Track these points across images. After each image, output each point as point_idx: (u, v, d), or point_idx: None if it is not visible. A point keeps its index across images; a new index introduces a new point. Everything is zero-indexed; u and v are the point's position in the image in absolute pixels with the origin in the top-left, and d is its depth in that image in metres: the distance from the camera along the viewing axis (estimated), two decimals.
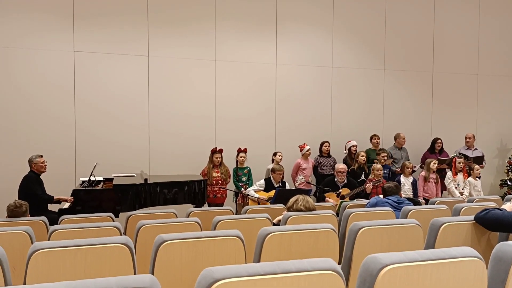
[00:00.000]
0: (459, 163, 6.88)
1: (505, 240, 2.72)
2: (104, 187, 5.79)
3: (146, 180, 5.52)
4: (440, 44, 8.67)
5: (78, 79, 6.91)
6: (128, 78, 7.13)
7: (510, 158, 8.67)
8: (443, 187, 7.19)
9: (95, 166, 5.87)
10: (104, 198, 5.34)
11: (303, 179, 7.15)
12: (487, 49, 8.96)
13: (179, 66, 7.35)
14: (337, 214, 4.41)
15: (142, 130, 7.20)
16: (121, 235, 3.11)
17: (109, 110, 7.03)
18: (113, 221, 3.80)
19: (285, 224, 3.36)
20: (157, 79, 7.26)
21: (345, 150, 7.64)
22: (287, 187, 6.42)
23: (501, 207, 2.86)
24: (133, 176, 6.29)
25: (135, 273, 2.27)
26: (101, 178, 6.10)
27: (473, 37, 8.89)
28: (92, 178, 5.81)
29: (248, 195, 6.25)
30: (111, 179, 5.95)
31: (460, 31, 8.78)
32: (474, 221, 2.72)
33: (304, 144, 7.38)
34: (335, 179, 6.45)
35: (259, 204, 6.03)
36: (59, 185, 6.23)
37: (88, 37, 6.93)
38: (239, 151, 6.94)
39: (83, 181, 5.95)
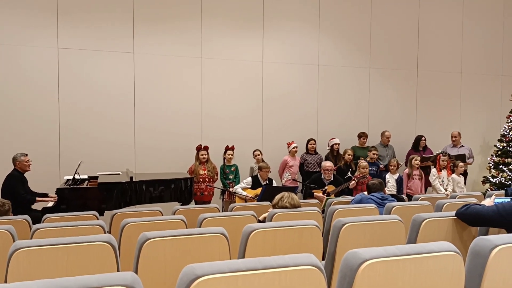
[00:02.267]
0: (443, 160, 6.99)
1: (485, 235, 2.78)
2: (89, 186, 5.74)
3: (131, 178, 5.49)
4: (425, 43, 8.77)
5: (62, 76, 6.83)
6: (113, 75, 7.07)
7: (492, 155, 8.82)
8: (427, 184, 7.29)
9: (79, 164, 5.81)
10: (89, 196, 5.30)
11: (290, 176, 7.19)
12: (470, 48, 9.09)
13: (165, 63, 7.31)
14: (323, 211, 4.45)
15: (127, 128, 7.15)
16: (105, 233, 3.09)
17: (94, 107, 6.97)
18: (98, 219, 3.77)
19: (271, 221, 3.38)
20: (143, 76, 7.21)
21: (328, 147, 7.70)
22: (274, 184, 6.45)
23: (481, 203, 2.91)
24: (119, 174, 6.25)
25: (118, 271, 2.26)
26: (86, 177, 6.05)
27: (457, 36, 9.01)
28: (77, 177, 5.75)
29: (235, 192, 6.26)
30: (96, 178, 5.90)
31: (444, 30, 8.90)
32: (455, 217, 2.77)
33: (292, 141, 7.42)
34: (322, 176, 6.50)
35: (246, 201, 6.05)
36: (43, 184, 6.15)
37: (73, 33, 6.84)
38: (227, 148, 6.95)
39: (68, 180, 5.89)
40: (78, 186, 5.54)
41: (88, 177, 6.07)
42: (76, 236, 2.30)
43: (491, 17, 9.25)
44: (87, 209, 5.02)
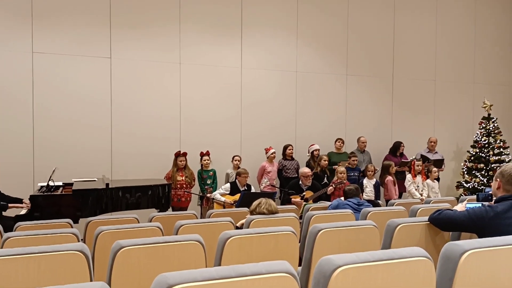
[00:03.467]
0: (418, 165, 7.13)
1: (457, 239, 2.84)
2: (63, 193, 5.62)
3: (107, 184, 5.41)
4: (400, 51, 8.96)
5: (36, 81, 6.70)
6: (90, 80, 6.97)
7: (465, 161, 9.03)
8: (402, 189, 7.43)
9: (54, 171, 5.69)
10: (64, 203, 5.19)
11: (268, 182, 7.20)
12: (444, 56, 9.33)
13: (143, 68, 7.25)
14: (301, 217, 4.47)
15: (104, 134, 7.05)
16: (78, 242, 3.03)
17: (69, 112, 6.85)
18: (72, 227, 3.70)
19: (248, 228, 3.37)
20: (120, 81, 7.13)
21: (308, 153, 7.76)
22: (253, 190, 6.45)
23: (453, 208, 2.98)
24: (95, 180, 6.15)
25: (91, 281, 2.22)
26: (60, 183, 5.93)
27: (431, 45, 9.24)
28: (51, 183, 5.63)
29: (214, 198, 6.24)
30: (71, 184, 5.79)
31: (418, 39, 9.11)
32: (428, 222, 2.82)
33: (270, 147, 7.45)
34: (300, 182, 6.54)
35: (224, 207, 6.03)
36: (16, 191, 5.97)
37: (48, 37, 6.73)
38: (202, 154, 6.93)
39: (42, 186, 5.75)
40: (52, 193, 5.42)
41: (62, 183, 5.95)
42: (48, 245, 2.24)
43: (463, 27, 9.52)
44: (62, 216, 4.90)
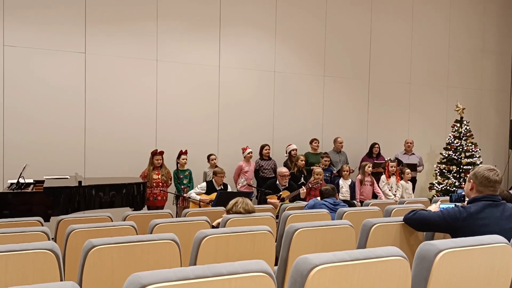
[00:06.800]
0: (392, 167, 7.24)
1: (431, 239, 2.88)
2: (34, 190, 5.45)
3: (80, 182, 5.28)
4: (376, 54, 9.08)
5: (7, 75, 6.48)
6: (63, 75, 6.79)
7: (438, 163, 9.23)
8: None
9: (24, 168, 5.52)
10: (34, 201, 5.03)
11: (245, 181, 7.18)
12: (419, 60, 9.52)
13: (119, 64, 7.11)
14: (277, 216, 4.47)
15: (77, 130, 6.88)
16: (49, 240, 2.93)
17: (41, 108, 6.66)
18: (42, 225, 3.59)
19: (224, 227, 3.34)
20: (95, 77, 6.97)
21: (286, 153, 7.78)
22: (229, 189, 6.41)
23: (427, 208, 3.02)
24: (67, 178, 5.99)
25: (62, 281, 2.15)
26: (31, 181, 5.75)
27: (406, 49, 9.40)
28: (21, 181, 5.46)
29: (190, 197, 6.17)
30: (43, 182, 5.63)
31: (394, 43, 9.26)
32: (403, 222, 2.86)
33: (247, 146, 7.42)
34: (277, 182, 6.54)
35: (200, 206, 5.98)
36: None
37: (20, 30, 6.52)
38: (181, 153, 6.85)
39: (11, 184, 5.57)
40: (22, 191, 5.25)
41: (33, 181, 5.78)
42: (16, 244, 2.16)
43: (438, 32, 9.73)
44: (32, 215, 4.75)
